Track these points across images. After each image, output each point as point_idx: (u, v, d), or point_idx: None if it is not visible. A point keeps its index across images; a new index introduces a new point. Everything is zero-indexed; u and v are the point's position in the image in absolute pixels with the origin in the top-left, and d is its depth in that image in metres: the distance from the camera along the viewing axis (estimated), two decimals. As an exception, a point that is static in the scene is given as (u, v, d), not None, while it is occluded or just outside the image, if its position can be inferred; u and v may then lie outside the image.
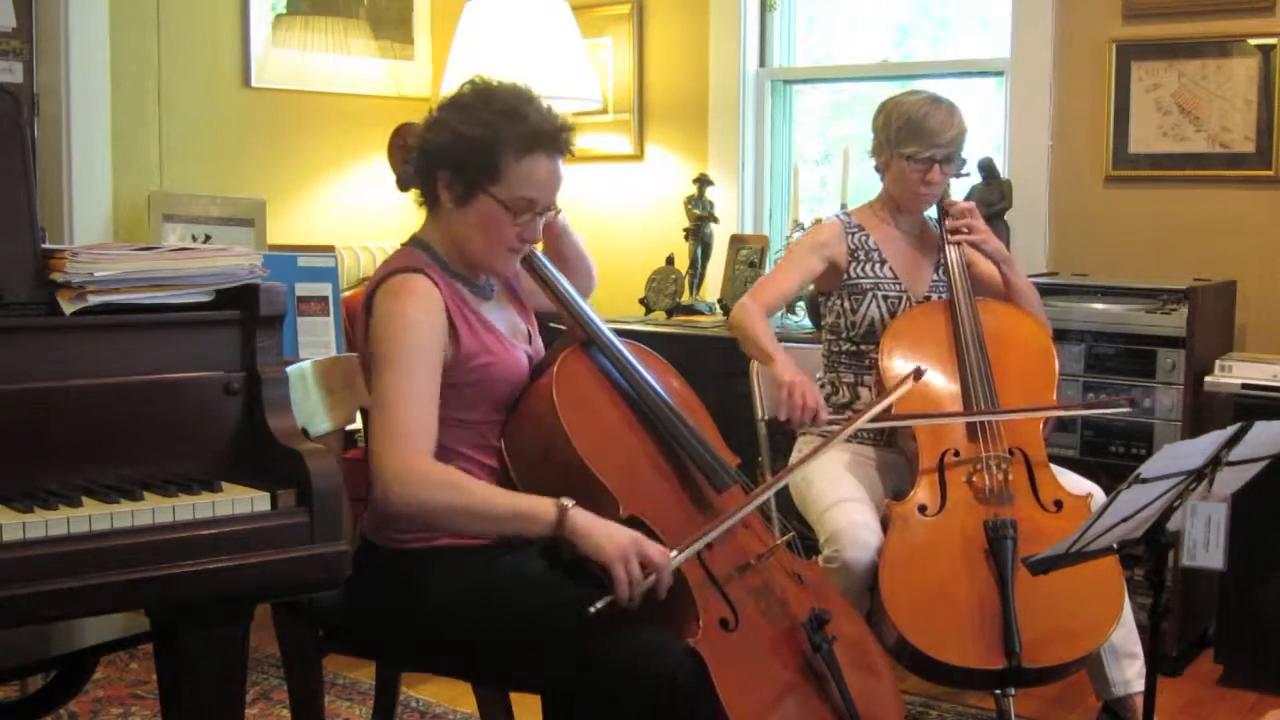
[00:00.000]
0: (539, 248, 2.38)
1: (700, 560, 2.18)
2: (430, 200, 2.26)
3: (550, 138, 2.19)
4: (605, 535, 2.03)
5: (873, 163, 3.12)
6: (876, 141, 3.06)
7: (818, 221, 3.44)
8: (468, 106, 2.19)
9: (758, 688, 2.13)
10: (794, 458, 3.07)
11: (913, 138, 2.94)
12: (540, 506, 2.05)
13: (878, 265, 3.04)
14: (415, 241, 2.28)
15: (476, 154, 2.16)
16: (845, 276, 3.03)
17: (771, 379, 2.93)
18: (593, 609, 1.99)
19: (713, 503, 2.29)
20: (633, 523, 2.12)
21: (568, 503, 2.04)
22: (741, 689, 2.08)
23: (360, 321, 2.22)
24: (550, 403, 2.18)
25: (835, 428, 2.72)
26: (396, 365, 2.09)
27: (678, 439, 2.30)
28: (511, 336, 2.29)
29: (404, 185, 2.38)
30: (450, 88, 4.31)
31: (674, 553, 2.08)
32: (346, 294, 3.97)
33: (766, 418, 3.04)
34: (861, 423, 2.61)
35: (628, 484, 2.16)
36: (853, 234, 3.06)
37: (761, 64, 4.61)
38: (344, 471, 2.07)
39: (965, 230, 3.01)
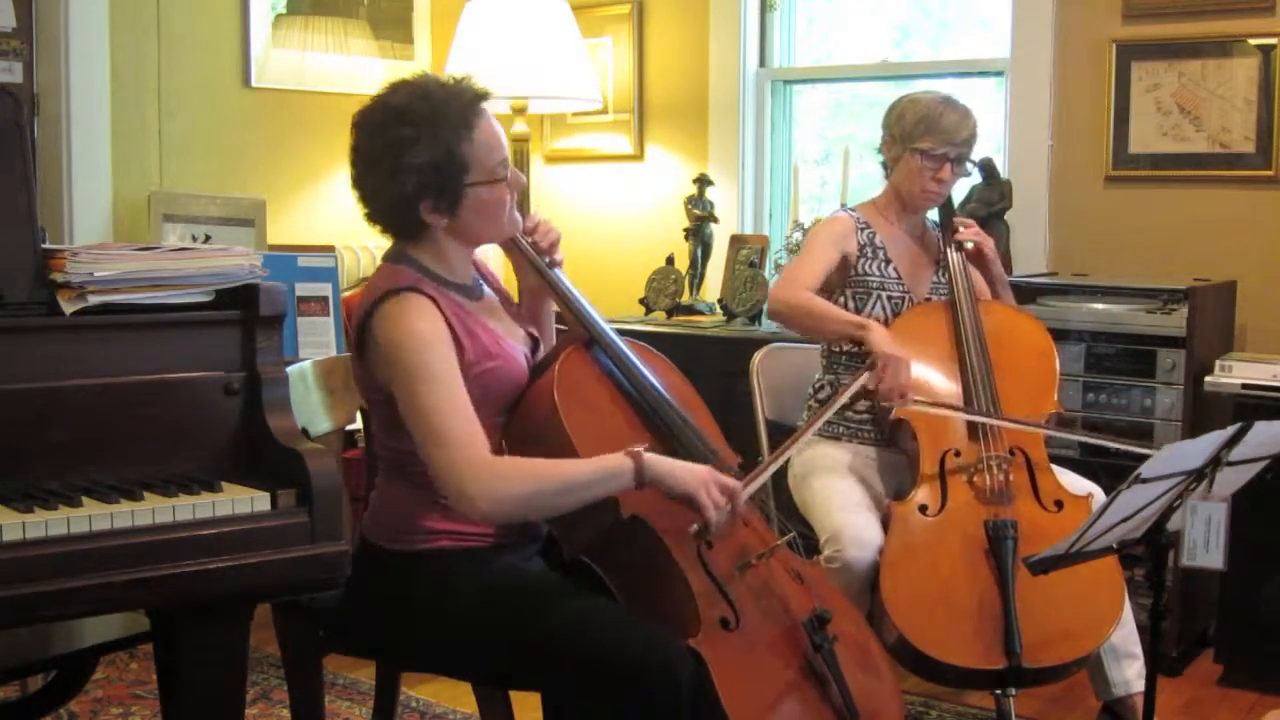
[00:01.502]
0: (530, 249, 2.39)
1: (701, 559, 2.18)
2: (413, 230, 2.22)
3: (471, 100, 2.18)
4: (684, 470, 2.13)
5: (879, 159, 3.12)
6: (888, 136, 3.05)
7: (818, 221, 3.43)
8: (395, 141, 2.14)
9: (758, 687, 2.13)
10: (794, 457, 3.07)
11: (928, 133, 2.95)
12: (616, 462, 2.09)
13: (883, 264, 3.04)
14: (397, 257, 2.25)
15: (442, 167, 2.14)
16: (852, 272, 3.03)
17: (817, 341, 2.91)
18: (691, 530, 2.13)
19: None
20: (634, 522, 2.12)
21: (637, 448, 2.10)
22: (741, 689, 2.08)
23: (352, 344, 2.19)
24: (551, 401, 2.18)
25: (920, 409, 2.78)
26: (429, 381, 2.07)
27: (679, 438, 2.30)
28: (507, 338, 2.29)
29: None
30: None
31: (743, 485, 2.22)
32: (346, 294, 4.00)
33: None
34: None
35: None
36: (862, 230, 3.06)
37: (761, 64, 4.61)
38: (344, 471, 2.07)
39: (973, 245, 3.02)
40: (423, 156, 2.12)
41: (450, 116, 2.15)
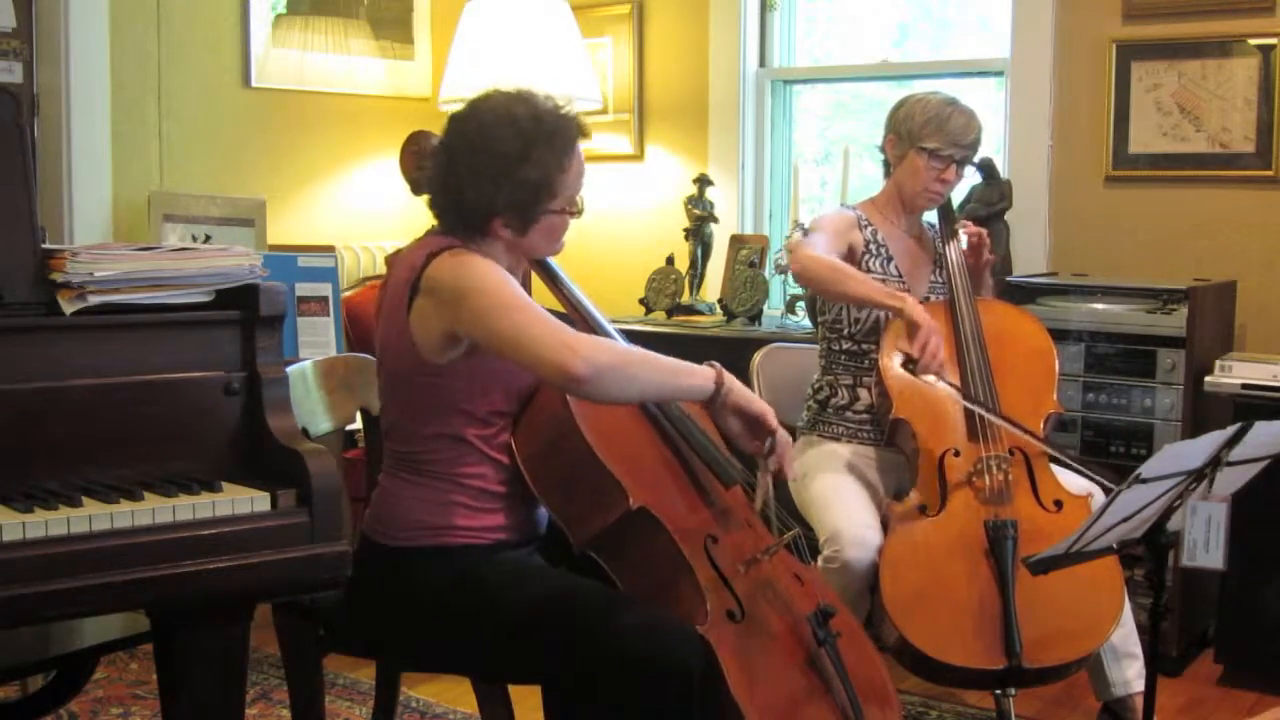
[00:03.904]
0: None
1: (707, 554, 2.19)
2: (475, 232, 2.22)
3: (576, 132, 2.22)
4: (753, 394, 2.21)
5: (880, 157, 3.12)
6: (893, 134, 3.05)
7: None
8: (510, 154, 2.15)
9: (765, 679, 2.14)
10: (795, 456, 3.07)
11: (937, 133, 2.96)
12: (700, 368, 2.16)
13: (885, 262, 3.04)
14: (445, 233, 2.25)
15: (536, 190, 2.17)
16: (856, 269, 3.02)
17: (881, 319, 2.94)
18: (766, 447, 2.20)
19: (720, 497, 2.30)
20: (641, 514, 2.13)
21: (715, 363, 2.18)
22: (749, 679, 2.09)
23: (399, 313, 2.16)
24: (562, 398, 2.19)
25: (948, 388, 2.79)
26: (506, 289, 2.08)
27: (685, 434, 2.33)
28: None
29: (419, 190, 2.38)
30: (452, 93, 4.28)
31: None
32: (347, 294, 3.99)
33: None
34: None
35: (636, 476, 2.17)
36: (865, 227, 3.06)
37: (761, 64, 4.61)
38: (344, 471, 2.07)
39: (973, 251, 3.03)
40: (530, 175, 2.16)
41: (558, 144, 2.18)
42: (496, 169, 2.15)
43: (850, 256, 3.02)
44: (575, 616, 2.05)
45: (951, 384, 2.79)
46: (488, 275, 2.10)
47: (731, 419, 2.20)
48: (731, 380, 2.17)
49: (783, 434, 2.21)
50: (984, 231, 3.08)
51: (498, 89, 2.25)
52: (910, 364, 2.78)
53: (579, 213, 2.28)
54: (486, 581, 2.14)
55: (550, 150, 2.17)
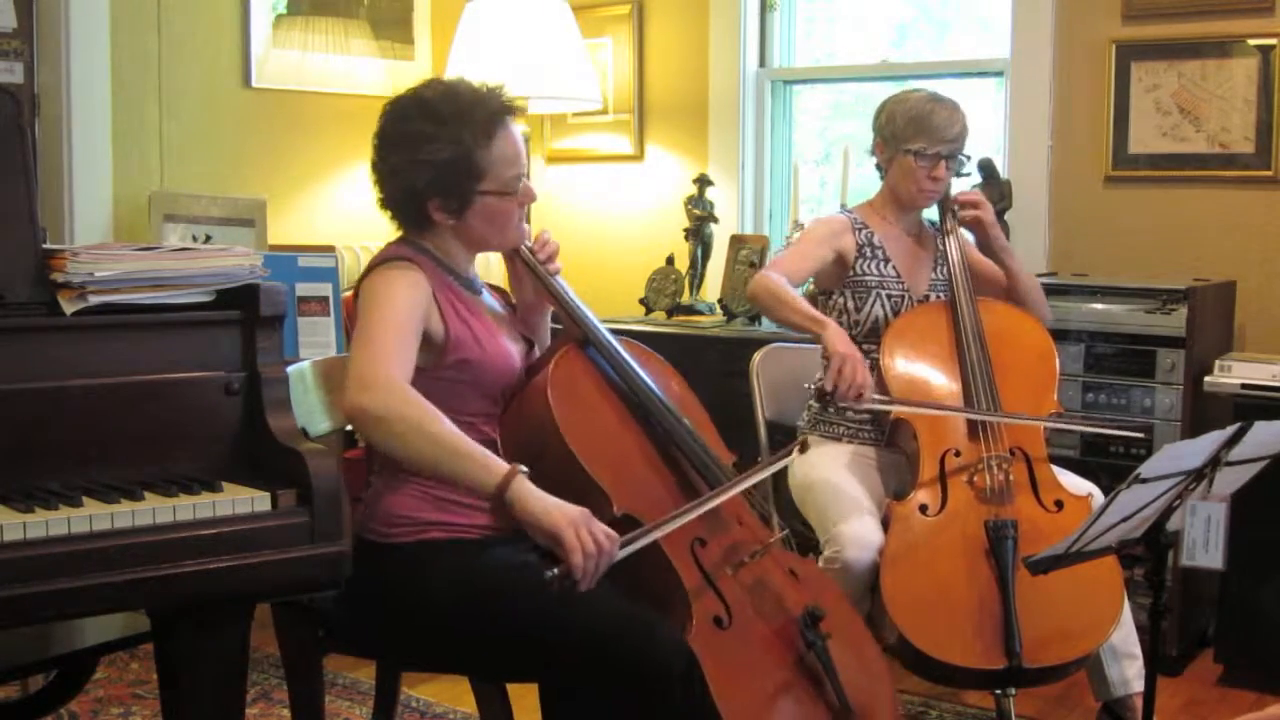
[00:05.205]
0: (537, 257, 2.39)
1: (693, 556, 2.18)
2: (420, 223, 2.27)
3: (498, 111, 2.22)
4: (554, 505, 1.98)
5: (873, 161, 3.12)
6: (880, 138, 3.06)
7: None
8: (417, 134, 2.19)
9: (752, 686, 2.13)
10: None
11: (920, 133, 2.95)
12: (494, 463, 2.00)
13: (882, 263, 3.04)
14: (403, 240, 2.30)
15: (455, 170, 2.18)
16: (851, 272, 3.03)
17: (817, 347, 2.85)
18: (549, 575, 1.94)
19: None
20: (627, 520, 2.12)
21: (523, 469, 2.01)
22: (734, 687, 2.07)
23: (352, 317, 2.22)
24: (545, 400, 2.18)
25: (878, 406, 2.77)
26: (381, 309, 2.11)
27: (673, 437, 2.31)
28: (500, 334, 2.30)
29: None
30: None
31: (629, 536, 2.03)
32: (347, 294, 3.98)
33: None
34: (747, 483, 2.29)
35: (621, 481, 2.16)
36: (859, 230, 3.06)
37: (761, 64, 4.61)
38: (344, 471, 2.07)
39: (971, 220, 3.03)
40: (440, 155, 2.17)
41: (474, 121, 2.19)
42: (410, 152, 2.18)
43: (840, 261, 3.02)
44: (556, 616, 2.04)
45: (878, 400, 2.77)
46: (374, 298, 2.14)
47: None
48: (526, 496, 1.97)
49: (579, 559, 1.94)
50: (982, 209, 3.07)
51: (426, 79, 2.29)
52: (827, 397, 2.73)
53: (525, 197, 2.25)
54: (476, 577, 2.14)
55: (465, 126, 2.18)
